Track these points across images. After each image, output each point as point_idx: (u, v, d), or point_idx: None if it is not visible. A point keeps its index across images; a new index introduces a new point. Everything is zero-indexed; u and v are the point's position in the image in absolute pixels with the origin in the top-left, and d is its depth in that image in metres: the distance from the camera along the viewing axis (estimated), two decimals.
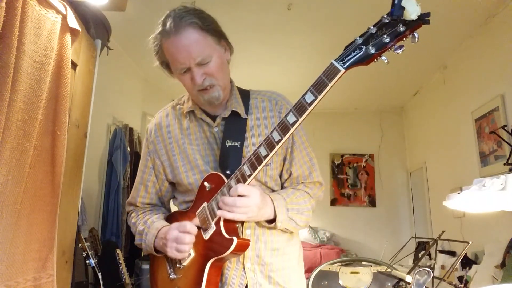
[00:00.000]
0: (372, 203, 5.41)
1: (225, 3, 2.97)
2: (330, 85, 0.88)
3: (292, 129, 0.94)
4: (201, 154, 1.20)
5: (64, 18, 1.35)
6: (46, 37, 1.24)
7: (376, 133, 5.53)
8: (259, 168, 1.00)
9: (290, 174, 1.23)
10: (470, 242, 2.04)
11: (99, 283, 2.07)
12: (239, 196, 1.01)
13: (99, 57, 1.79)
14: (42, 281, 1.23)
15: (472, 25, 3.21)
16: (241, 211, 1.02)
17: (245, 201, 1.01)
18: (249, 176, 1.02)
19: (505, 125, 2.74)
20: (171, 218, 1.25)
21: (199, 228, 1.10)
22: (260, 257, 1.15)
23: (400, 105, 5.48)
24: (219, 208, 1.05)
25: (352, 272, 2.15)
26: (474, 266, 2.77)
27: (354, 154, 5.56)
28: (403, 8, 0.79)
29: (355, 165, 5.55)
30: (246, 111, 1.21)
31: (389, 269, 2.06)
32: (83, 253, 2.07)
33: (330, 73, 0.88)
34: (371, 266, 2.31)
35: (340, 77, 0.87)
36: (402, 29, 0.81)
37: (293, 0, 2.94)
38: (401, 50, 0.83)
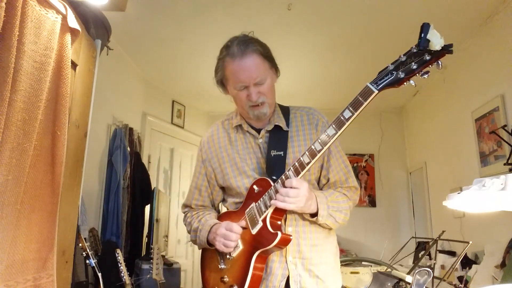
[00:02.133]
0: (372, 203, 5.41)
1: (225, 3, 2.97)
2: (365, 104, 1.05)
3: (332, 141, 1.12)
4: (247, 162, 1.39)
5: (64, 18, 1.35)
6: (46, 37, 1.24)
7: (376, 133, 5.53)
8: (302, 173, 1.18)
9: (328, 180, 1.40)
10: (470, 242, 2.05)
11: (99, 283, 2.07)
12: (292, 188, 1.17)
13: (99, 57, 1.79)
14: (42, 281, 1.23)
15: (472, 25, 3.21)
16: (291, 201, 1.17)
17: (296, 192, 1.17)
18: None
19: (505, 125, 2.74)
20: (223, 216, 1.45)
21: (247, 225, 1.29)
22: (300, 252, 1.30)
23: (400, 105, 5.48)
24: (269, 205, 1.22)
25: (352, 272, 2.15)
26: (474, 266, 2.77)
27: (354, 154, 5.56)
28: (428, 40, 0.94)
29: (355, 165, 5.54)
30: (287, 124, 1.40)
31: (389, 269, 2.06)
32: (83, 253, 2.07)
33: (365, 93, 1.06)
34: (371, 266, 2.31)
35: (374, 98, 1.04)
36: (427, 57, 0.97)
37: (293, 0, 2.94)
38: (427, 75, 0.99)
